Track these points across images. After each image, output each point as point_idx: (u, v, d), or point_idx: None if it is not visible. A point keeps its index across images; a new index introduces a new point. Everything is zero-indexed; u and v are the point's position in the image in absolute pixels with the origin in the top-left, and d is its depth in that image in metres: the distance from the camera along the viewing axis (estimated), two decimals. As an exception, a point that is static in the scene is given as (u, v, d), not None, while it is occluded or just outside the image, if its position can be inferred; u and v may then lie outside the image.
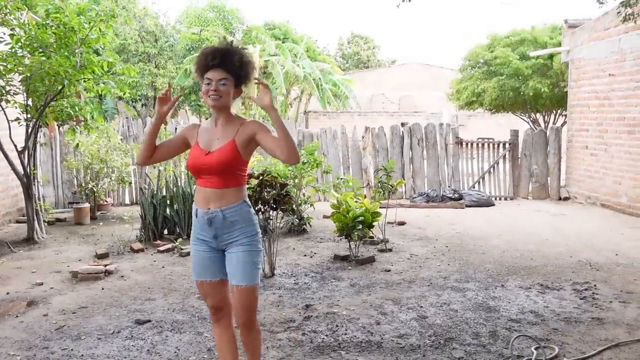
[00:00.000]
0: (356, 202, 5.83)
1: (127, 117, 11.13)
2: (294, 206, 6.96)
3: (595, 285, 4.86)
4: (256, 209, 5.22)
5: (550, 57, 12.85)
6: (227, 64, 2.62)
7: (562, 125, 12.59)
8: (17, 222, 8.02)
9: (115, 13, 6.61)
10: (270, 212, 5.30)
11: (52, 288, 4.87)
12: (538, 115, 14.84)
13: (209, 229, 2.63)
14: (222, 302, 2.76)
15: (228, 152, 2.59)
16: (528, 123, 14.87)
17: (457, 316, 4.13)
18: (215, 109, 2.64)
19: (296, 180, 6.98)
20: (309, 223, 7.33)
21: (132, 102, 21.36)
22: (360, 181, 9.74)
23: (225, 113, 2.67)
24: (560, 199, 10.37)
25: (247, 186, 5.11)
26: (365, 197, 6.51)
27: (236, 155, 2.61)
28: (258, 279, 2.68)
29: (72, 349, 3.55)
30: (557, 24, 13.91)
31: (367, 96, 27.13)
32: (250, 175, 4.98)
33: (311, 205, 7.33)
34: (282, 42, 21.12)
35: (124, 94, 7.30)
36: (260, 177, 5.07)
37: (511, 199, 10.46)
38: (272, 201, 5.15)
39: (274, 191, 5.11)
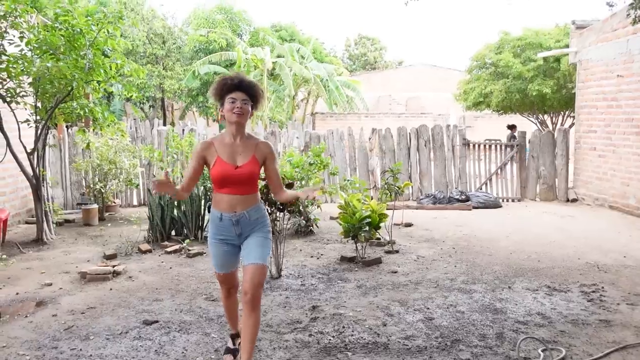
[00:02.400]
0: (363, 203, 5.84)
1: (134, 119, 11.19)
2: (300, 208, 6.99)
3: (602, 288, 4.84)
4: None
5: (557, 59, 12.82)
6: (248, 89, 3.10)
7: (570, 126, 12.55)
8: (27, 223, 8.08)
9: (123, 15, 6.67)
10: (277, 214, 5.32)
11: (61, 288, 4.91)
12: (546, 116, 14.79)
13: (235, 229, 3.11)
14: (235, 282, 3.34)
15: (254, 166, 3.11)
16: (536, 124, 14.82)
17: (464, 318, 4.12)
18: (236, 125, 3.07)
19: (303, 182, 6.99)
20: (315, 224, 7.34)
21: (140, 103, 21.47)
22: (367, 183, 9.74)
23: (243, 130, 3.13)
24: (568, 200, 10.32)
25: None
26: (372, 199, 6.52)
27: (258, 168, 3.15)
28: (268, 261, 3.17)
29: (80, 349, 3.58)
30: (564, 25, 13.87)
31: (374, 97, 27.14)
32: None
33: (318, 206, 7.33)
34: (289, 44, 21.15)
35: (132, 95, 7.34)
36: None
37: (518, 200, 10.43)
38: (279, 202, 5.16)
39: (280, 193, 5.12)
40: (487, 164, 10.63)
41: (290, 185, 5.23)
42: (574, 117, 11.75)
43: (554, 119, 14.75)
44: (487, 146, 10.71)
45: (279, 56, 19.39)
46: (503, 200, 10.28)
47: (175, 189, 3.04)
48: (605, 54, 9.53)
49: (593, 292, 4.73)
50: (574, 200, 10.28)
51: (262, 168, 3.21)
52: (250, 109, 3.09)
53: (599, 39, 9.73)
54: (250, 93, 3.10)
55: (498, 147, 10.67)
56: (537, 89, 12.75)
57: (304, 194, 3.25)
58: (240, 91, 3.06)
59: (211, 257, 3.24)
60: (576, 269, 5.50)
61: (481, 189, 10.50)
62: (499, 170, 10.56)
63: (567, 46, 11.70)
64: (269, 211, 5.21)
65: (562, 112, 14.36)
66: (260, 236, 3.15)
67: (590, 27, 10.15)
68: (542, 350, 3.46)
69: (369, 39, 40.24)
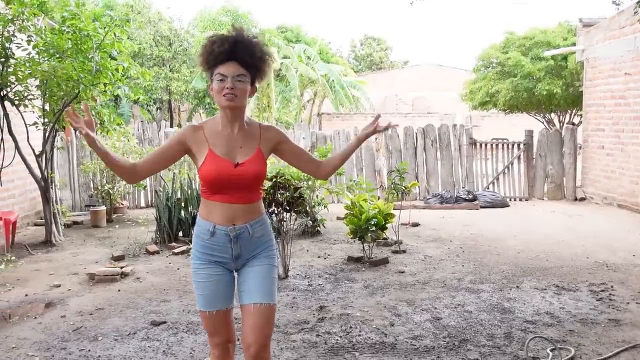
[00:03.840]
0: (370, 203, 5.83)
1: (142, 121, 11.25)
2: (307, 208, 6.99)
3: (612, 287, 4.81)
4: (270, 211, 5.25)
5: (565, 58, 12.76)
6: (244, 57, 2.23)
7: (578, 125, 12.47)
8: (36, 225, 8.13)
9: (130, 18, 6.70)
10: (284, 214, 5.32)
11: (69, 290, 4.94)
12: (553, 115, 14.72)
13: (233, 248, 2.30)
14: (232, 334, 2.43)
15: (260, 163, 2.31)
16: (543, 123, 14.75)
17: (472, 318, 4.11)
18: (230, 111, 2.26)
19: (310, 183, 6.99)
20: (322, 225, 7.34)
21: (147, 105, 21.58)
22: (373, 183, 9.73)
23: (241, 116, 2.31)
24: (576, 199, 10.26)
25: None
26: (379, 199, 6.51)
27: (265, 166, 2.35)
28: (277, 298, 2.42)
29: (89, 350, 3.60)
30: (572, 24, 13.81)
31: (381, 98, 27.10)
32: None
33: (325, 207, 7.34)
34: (296, 45, 21.19)
35: (139, 98, 7.38)
36: (274, 180, 5.10)
37: (526, 200, 10.38)
38: (285, 203, 5.17)
39: (287, 193, 5.13)
40: (494, 164, 10.59)
41: (297, 189, 5.23)
42: (581, 115, 11.68)
43: (561, 117, 14.67)
44: (494, 145, 10.67)
45: (285, 57, 19.42)
46: (511, 200, 10.24)
47: (92, 134, 2.17)
48: (613, 52, 9.47)
49: (602, 291, 4.70)
50: (583, 200, 10.21)
51: (277, 157, 2.49)
52: (248, 87, 2.25)
53: (607, 36, 9.67)
54: (249, 62, 2.24)
55: (505, 146, 10.63)
56: (547, 88, 12.68)
57: (365, 132, 2.49)
58: (235, 61, 2.21)
59: (195, 290, 2.36)
60: (585, 268, 5.46)
61: (488, 188, 10.46)
62: (506, 170, 10.52)
63: (574, 45, 11.64)
64: (275, 212, 5.22)
65: (569, 111, 14.28)
66: (266, 264, 2.35)
67: (597, 25, 10.09)
68: (551, 350, 3.44)
69: (374, 40, 40.23)
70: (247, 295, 2.31)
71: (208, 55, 2.24)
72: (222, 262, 2.32)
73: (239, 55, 2.22)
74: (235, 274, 2.39)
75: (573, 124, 13.15)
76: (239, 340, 2.99)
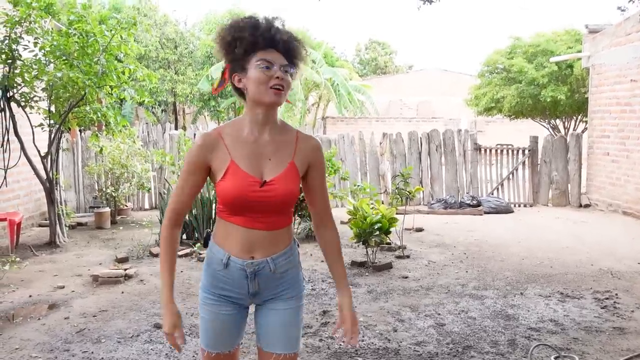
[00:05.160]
0: (372, 208, 5.83)
1: (147, 123, 11.27)
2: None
3: (616, 295, 4.78)
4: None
5: (570, 65, 12.75)
6: (291, 50, 1.84)
7: (583, 131, 12.44)
8: (40, 226, 8.16)
9: (137, 21, 6.73)
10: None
11: (73, 291, 4.95)
12: (558, 121, 14.69)
13: (249, 285, 1.88)
14: None
15: (293, 181, 1.85)
16: (548, 129, 14.72)
17: (476, 324, 4.10)
18: (267, 109, 1.83)
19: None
20: (326, 229, 7.32)
21: (152, 108, 21.64)
22: (377, 187, 9.73)
23: (275, 117, 1.88)
24: (580, 206, 10.23)
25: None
26: (382, 203, 6.50)
27: (299, 184, 1.89)
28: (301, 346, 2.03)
29: (92, 352, 3.60)
30: (576, 29, 13.79)
31: (385, 102, 27.10)
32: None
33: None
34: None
35: (144, 100, 7.40)
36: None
37: (530, 205, 10.35)
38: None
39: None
40: (498, 169, 10.56)
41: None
42: (586, 121, 11.66)
43: (566, 123, 14.64)
44: (498, 151, 10.65)
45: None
46: (515, 206, 10.21)
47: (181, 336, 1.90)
48: (618, 59, 9.45)
49: (607, 298, 4.68)
50: (587, 206, 10.18)
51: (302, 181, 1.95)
52: (292, 81, 1.84)
53: (612, 43, 9.65)
54: (293, 55, 1.84)
55: (510, 151, 10.61)
56: (552, 95, 12.67)
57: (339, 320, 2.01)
58: (277, 52, 1.80)
59: (200, 325, 1.97)
60: (589, 275, 5.44)
61: (493, 194, 10.44)
62: (510, 175, 10.49)
63: (579, 52, 11.63)
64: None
65: (574, 117, 14.25)
66: (291, 307, 1.93)
67: (603, 31, 10.08)
68: (555, 358, 3.42)
69: (379, 44, 40.26)
70: (267, 343, 1.93)
71: (245, 36, 1.78)
72: (235, 297, 1.90)
73: (283, 43, 1.82)
74: (251, 308, 1.99)
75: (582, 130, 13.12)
76: None
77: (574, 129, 13.86)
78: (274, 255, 1.88)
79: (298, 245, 2.00)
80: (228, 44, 1.81)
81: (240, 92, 1.86)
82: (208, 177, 1.89)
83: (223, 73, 1.88)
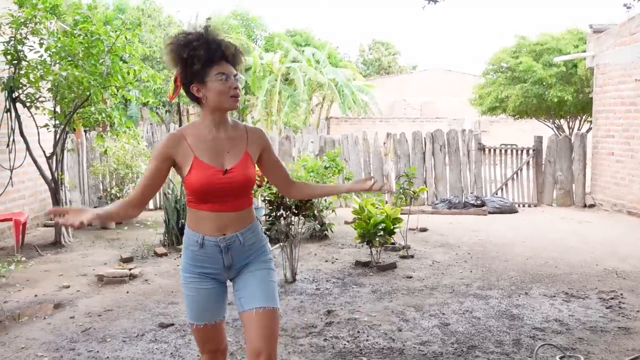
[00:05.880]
0: (376, 208, 5.83)
1: (151, 124, 11.30)
2: (315, 212, 6.99)
3: (621, 294, 4.77)
4: (278, 214, 5.26)
5: (575, 65, 12.71)
6: (237, 60, 2.20)
7: (587, 131, 12.41)
8: (45, 226, 8.19)
9: (141, 22, 6.75)
10: (292, 218, 5.33)
11: (78, 291, 4.97)
12: (562, 121, 14.64)
13: (224, 258, 2.21)
14: (222, 343, 2.36)
15: (249, 167, 2.21)
16: (552, 129, 14.68)
17: (480, 324, 4.09)
18: (222, 113, 2.20)
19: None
20: (330, 229, 7.34)
21: (156, 108, 21.67)
22: (381, 187, 9.70)
23: (227, 117, 2.25)
24: (585, 206, 10.20)
25: (268, 192, 5.18)
26: (386, 203, 6.50)
27: (254, 169, 2.26)
28: (279, 301, 2.32)
29: (97, 351, 3.62)
30: (580, 29, 13.75)
31: (389, 102, 27.09)
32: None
33: (333, 211, 7.33)
34: (304, 48, 21.24)
35: (149, 101, 7.43)
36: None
37: (535, 205, 10.33)
38: (293, 207, 5.18)
39: (295, 197, 5.13)
40: (502, 169, 10.55)
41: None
42: (591, 121, 11.62)
43: (570, 123, 14.60)
44: (502, 151, 10.64)
45: (294, 61, 19.47)
46: (519, 206, 10.19)
47: (84, 215, 2.05)
48: (623, 58, 9.42)
49: (612, 298, 4.66)
50: (592, 206, 10.15)
51: (258, 165, 2.35)
52: None
53: (617, 42, 9.63)
54: (237, 63, 2.21)
55: (514, 151, 10.59)
56: (558, 95, 12.64)
57: (358, 185, 2.42)
58: (227, 63, 2.16)
59: (185, 303, 2.30)
60: (594, 275, 5.43)
61: (497, 194, 10.42)
62: (514, 175, 10.48)
63: (584, 51, 11.60)
64: (283, 215, 5.23)
65: (579, 117, 14.21)
66: (262, 268, 2.26)
67: (607, 31, 10.05)
68: (560, 358, 3.42)
69: (383, 44, 40.21)
70: (248, 301, 2.20)
71: (200, 55, 2.09)
72: (213, 273, 2.22)
73: (232, 56, 2.17)
74: (229, 283, 2.31)
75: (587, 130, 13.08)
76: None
77: (579, 129, 13.82)
78: (242, 230, 2.22)
79: (260, 222, 2.32)
80: (184, 60, 2.11)
81: (196, 99, 2.18)
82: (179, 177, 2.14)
83: (175, 81, 2.18)
